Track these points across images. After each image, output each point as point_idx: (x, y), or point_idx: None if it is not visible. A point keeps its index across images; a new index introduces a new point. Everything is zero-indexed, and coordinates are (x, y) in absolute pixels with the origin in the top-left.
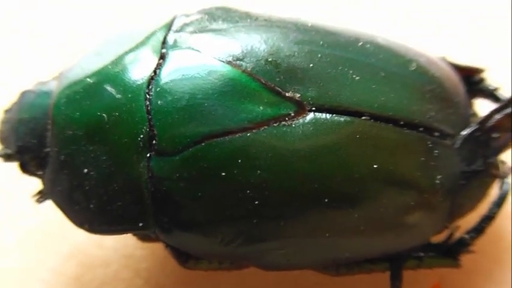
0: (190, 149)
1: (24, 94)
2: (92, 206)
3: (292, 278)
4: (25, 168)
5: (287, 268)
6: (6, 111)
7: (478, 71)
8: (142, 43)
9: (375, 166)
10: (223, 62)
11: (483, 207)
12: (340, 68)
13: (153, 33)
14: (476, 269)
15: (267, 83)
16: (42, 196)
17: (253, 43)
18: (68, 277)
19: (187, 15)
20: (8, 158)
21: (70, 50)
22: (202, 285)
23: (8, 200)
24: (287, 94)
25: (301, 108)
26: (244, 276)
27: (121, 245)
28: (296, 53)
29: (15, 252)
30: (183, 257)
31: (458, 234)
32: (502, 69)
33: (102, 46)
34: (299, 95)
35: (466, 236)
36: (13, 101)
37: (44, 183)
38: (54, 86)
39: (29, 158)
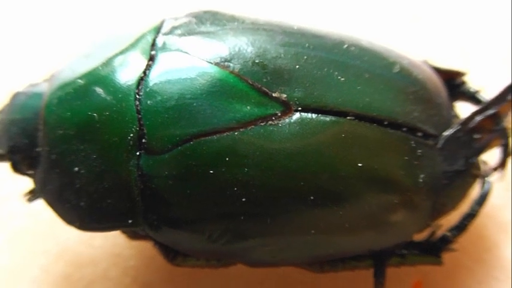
0: (179, 148)
1: (15, 96)
2: (82, 203)
3: (276, 277)
4: (17, 168)
5: (273, 265)
6: None
7: (459, 74)
8: (132, 45)
9: (359, 165)
10: (211, 63)
11: (465, 206)
12: (325, 69)
13: (142, 36)
14: (458, 267)
15: (254, 84)
16: (33, 195)
17: (241, 45)
18: (58, 276)
19: (176, 19)
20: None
21: (65, 53)
22: (188, 283)
23: None
24: (274, 94)
25: (287, 108)
26: (229, 274)
27: (109, 244)
28: (282, 55)
29: (5, 251)
30: (171, 254)
31: (440, 233)
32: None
33: (91, 48)
34: (285, 96)
35: (448, 234)
36: (4, 102)
37: (35, 183)
38: (45, 88)
39: (21, 157)
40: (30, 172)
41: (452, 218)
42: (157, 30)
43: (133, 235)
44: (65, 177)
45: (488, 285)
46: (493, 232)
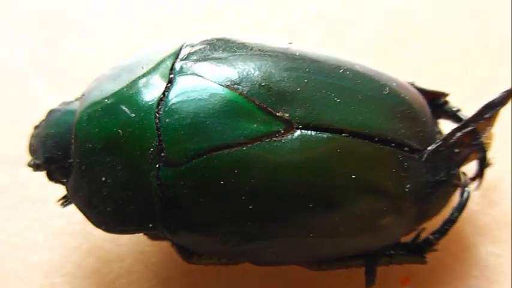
0: (194, 161)
1: (51, 112)
2: (108, 209)
3: (278, 273)
4: (51, 177)
5: (276, 264)
6: (36, 127)
7: (442, 94)
8: (153, 69)
9: (353, 176)
10: (222, 85)
11: (446, 212)
12: (323, 91)
13: (162, 61)
14: (440, 265)
15: (261, 104)
16: (66, 201)
17: (249, 70)
18: (89, 270)
19: (192, 46)
20: (37, 167)
21: (95, 75)
22: (204, 277)
23: (37, 204)
24: (277, 114)
25: (289, 126)
26: (237, 271)
27: (134, 243)
28: (286, 78)
29: (43, 249)
30: (186, 253)
31: (424, 235)
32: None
33: (117, 71)
34: (288, 115)
35: (431, 237)
36: (41, 118)
37: (67, 190)
38: (77, 106)
39: (55, 167)
40: (63, 180)
41: (435, 222)
42: (176, 55)
43: (153, 236)
44: (93, 185)
45: (466, 281)
46: (471, 235)
